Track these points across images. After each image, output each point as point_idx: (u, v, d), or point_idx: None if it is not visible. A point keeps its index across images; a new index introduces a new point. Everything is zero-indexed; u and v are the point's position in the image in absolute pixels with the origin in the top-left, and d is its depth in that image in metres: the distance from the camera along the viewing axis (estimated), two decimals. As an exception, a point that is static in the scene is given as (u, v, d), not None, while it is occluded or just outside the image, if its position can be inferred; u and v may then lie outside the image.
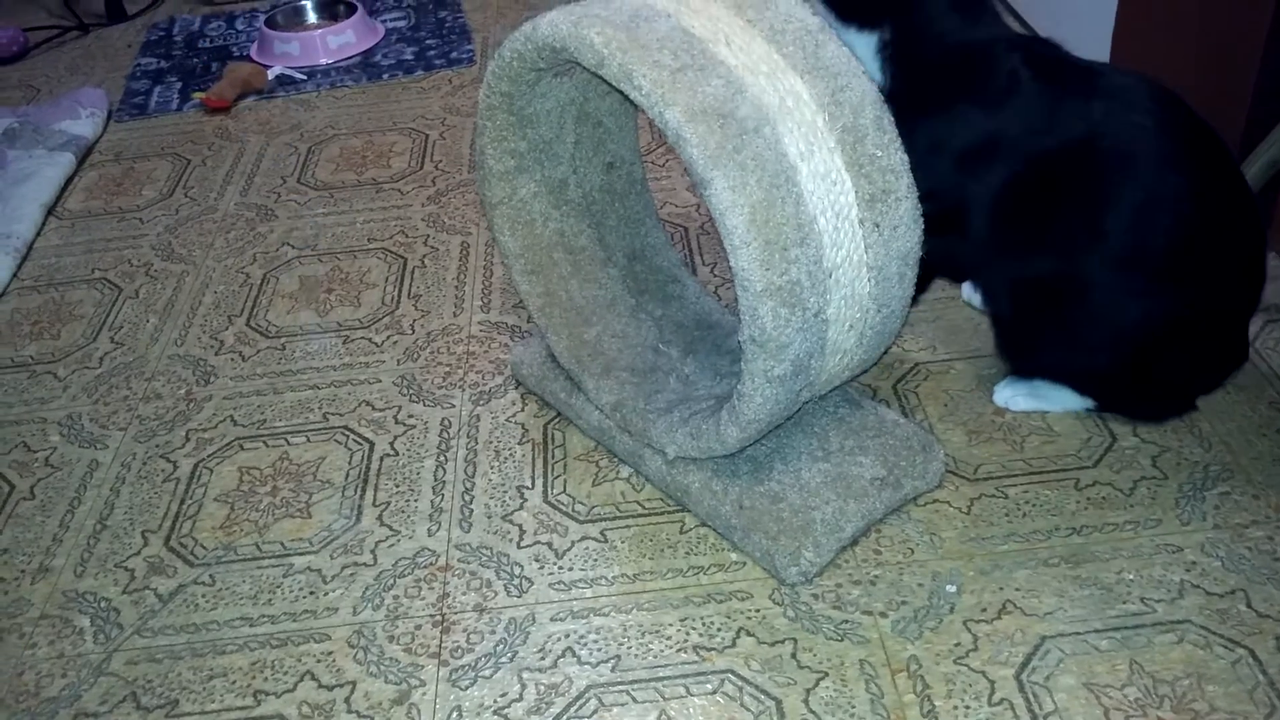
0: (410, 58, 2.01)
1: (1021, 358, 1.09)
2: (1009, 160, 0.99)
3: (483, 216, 1.50)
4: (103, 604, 1.02)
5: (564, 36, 0.91)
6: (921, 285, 0.99)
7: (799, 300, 0.87)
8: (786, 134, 0.87)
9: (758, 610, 0.95)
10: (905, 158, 0.91)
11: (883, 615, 0.93)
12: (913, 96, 1.01)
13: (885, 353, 1.04)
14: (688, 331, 1.18)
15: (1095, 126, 0.97)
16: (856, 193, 0.89)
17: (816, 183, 0.88)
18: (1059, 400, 1.09)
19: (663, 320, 1.19)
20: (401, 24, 2.13)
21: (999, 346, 1.10)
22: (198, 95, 1.90)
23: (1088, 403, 1.08)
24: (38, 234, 1.59)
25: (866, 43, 1.04)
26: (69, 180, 1.72)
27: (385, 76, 1.95)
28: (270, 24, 2.06)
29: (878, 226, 0.91)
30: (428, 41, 2.05)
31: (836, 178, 0.88)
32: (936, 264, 1.02)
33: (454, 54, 2.00)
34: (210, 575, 1.04)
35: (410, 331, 1.34)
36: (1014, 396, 1.11)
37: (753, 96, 0.87)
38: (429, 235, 1.52)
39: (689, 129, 0.84)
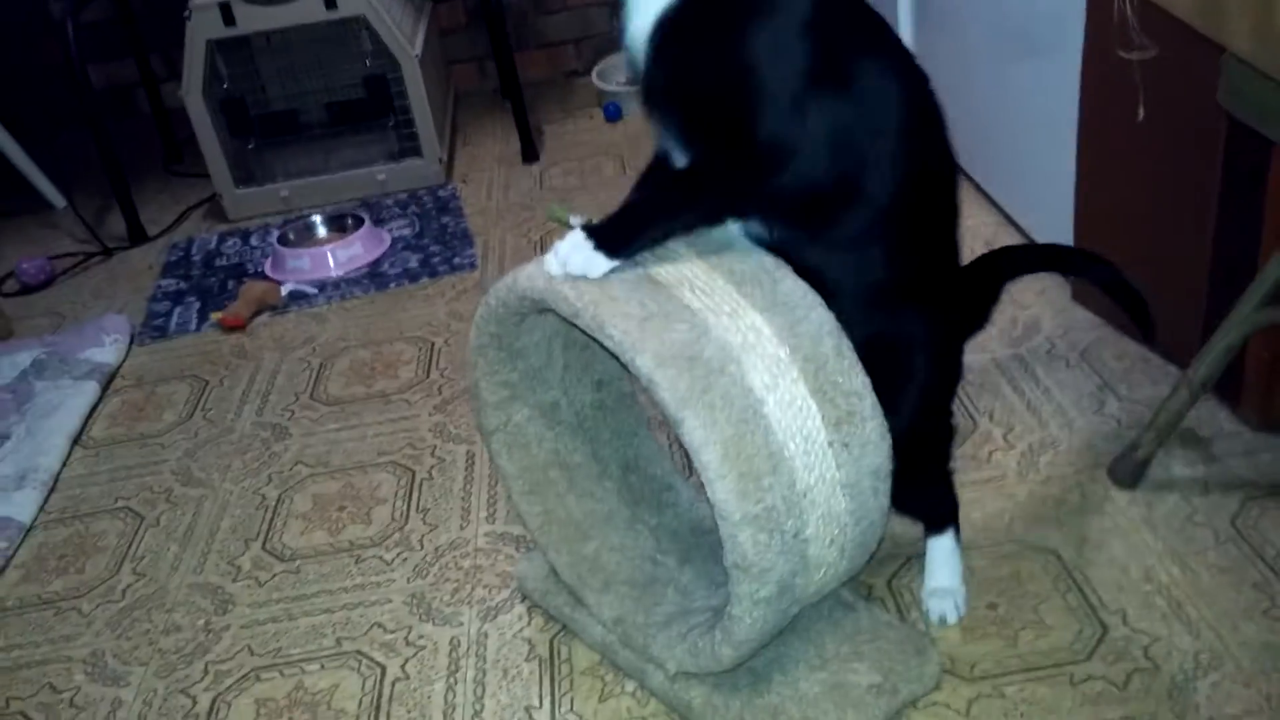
0: (415, 265, 2.12)
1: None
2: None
3: (485, 425, 1.56)
4: None
5: (540, 290, 0.98)
6: None
7: (777, 525, 0.92)
8: (751, 369, 0.93)
9: (764, 831, 0.95)
10: (866, 380, 0.97)
11: (888, 830, 0.93)
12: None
13: (872, 558, 1.07)
14: (684, 539, 1.22)
15: None
16: (823, 417, 0.95)
17: (784, 412, 0.93)
18: (952, 565, 1.15)
19: (659, 529, 1.23)
20: (407, 232, 2.25)
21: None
22: (215, 315, 2.00)
23: (955, 542, 1.14)
24: (64, 465, 1.67)
25: None
26: (94, 408, 1.81)
27: (392, 285, 2.06)
28: (282, 241, 2.19)
29: (847, 446, 0.96)
30: (432, 248, 2.17)
31: (802, 405, 0.94)
32: None
33: (457, 259, 2.11)
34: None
35: (419, 547, 1.39)
36: (945, 610, 1.14)
37: (717, 337, 0.93)
38: (436, 446, 1.58)
39: (659, 374, 0.90)
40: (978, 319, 1.15)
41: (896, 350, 1.00)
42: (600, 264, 0.95)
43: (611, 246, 0.95)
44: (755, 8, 0.88)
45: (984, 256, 1.16)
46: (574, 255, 0.95)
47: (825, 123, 0.90)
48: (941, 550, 1.15)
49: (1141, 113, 1.13)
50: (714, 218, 0.97)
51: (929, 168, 0.99)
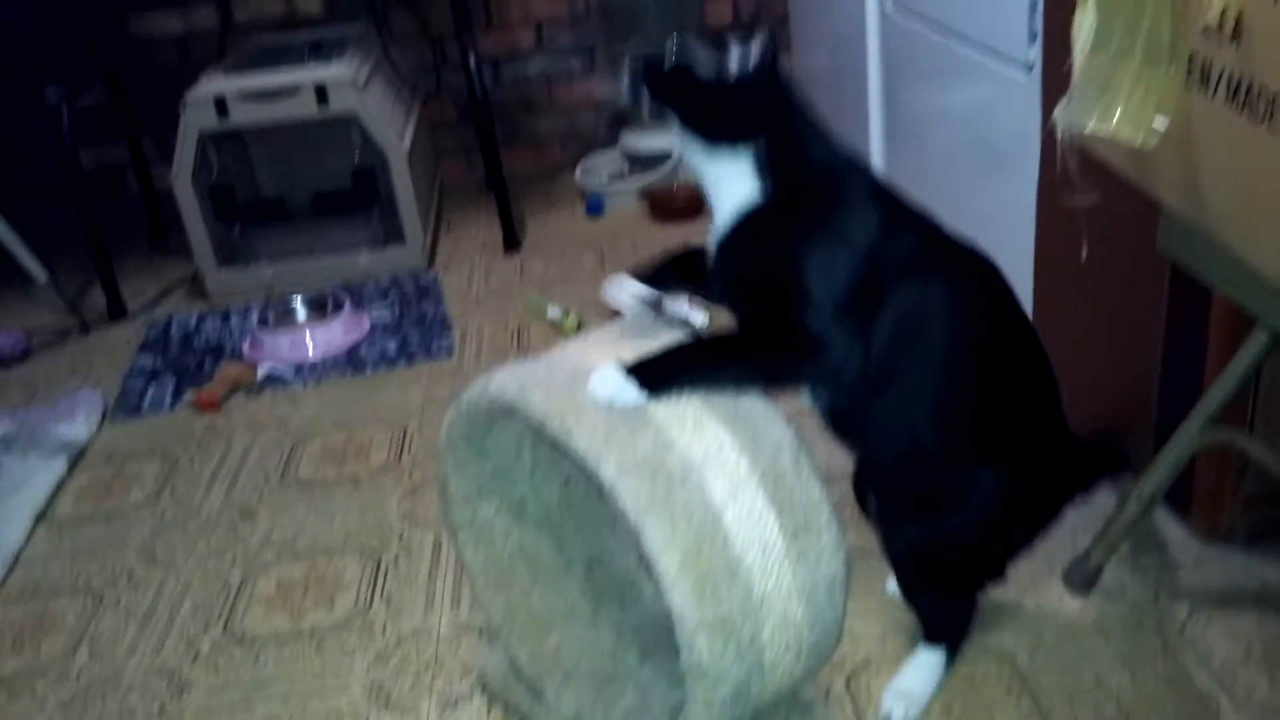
0: (393, 350, 2.15)
1: (903, 539, 1.15)
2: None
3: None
4: None
5: (511, 397, 1.02)
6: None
7: (732, 631, 0.94)
8: (712, 479, 0.97)
9: None
10: (823, 492, 1.01)
11: None
12: (796, 208, 1.04)
13: (827, 661, 1.10)
14: (645, 635, 1.24)
15: None
16: (780, 527, 0.98)
17: (742, 522, 0.96)
18: (928, 675, 1.18)
19: (621, 625, 1.25)
20: (386, 317, 2.29)
21: (882, 522, 1.17)
22: (190, 394, 2.02)
23: (940, 656, 1.18)
24: (27, 542, 1.67)
25: (743, 159, 1.03)
26: (61, 484, 1.81)
27: (369, 369, 2.09)
28: (262, 322, 2.22)
29: (803, 555, 0.99)
30: (410, 334, 2.21)
31: (761, 515, 0.97)
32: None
33: (434, 346, 2.15)
34: None
35: (382, 635, 1.39)
36: (907, 710, 1.17)
37: (679, 448, 0.97)
38: (404, 532, 1.59)
39: (621, 483, 0.93)
40: (1080, 483, 1.19)
41: (960, 492, 1.09)
42: (631, 396, 1.00)
43: (648, 384, 1.01)
44: (815, 229, 1.02)
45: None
46: (606, 385, 1.00)
47: (862, 326, 1.01)
48: (928, 660, 1.18)
49: (1085, 255, 1.19)
50: (747, 384, 1.05)
51: (991, 355, 1.08)
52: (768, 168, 1.03)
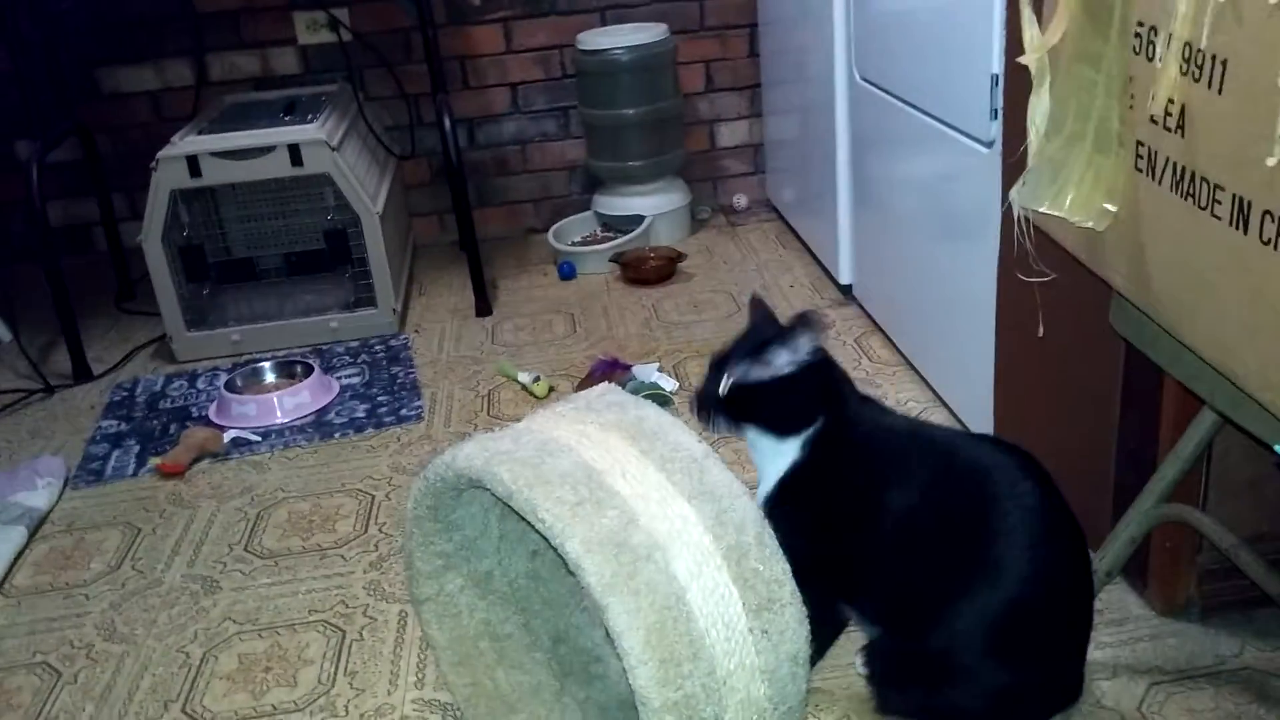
0: (362, 415, 2.14)
1: (896, 696, 1.19)
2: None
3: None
4: None
5: (478, 470, 1.02)
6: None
7: (695, 712, 0.94)
8: (676, 556, 0.96)
9: None
10: (786, 568, 1.01)
11: None
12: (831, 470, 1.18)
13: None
14: (610, 714, 1.23)
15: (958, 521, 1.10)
16: (744, 604, 0.98)
17: (706, 599, 0.96)
18: None
19: (586, 703, 1.24)
20: (356, 380, 2.29)
21: (874, 674, 1.21)
22: (154, 461, 2.00)
23: None
24: (-16, 614, 1.63)
25: (799, 440, 1.18)
26: (19, 554, 1.78)
27: (337, 435, 2.08)
28: (229, 386, 2.21)
29: (766, 633, 0.99)
30: (380, 398, 2.20)
31: (724, 592, 0.97)
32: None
33: (404, 411, 2.14)
34: None
35: (344, 713, 1.37)
36: None
37: (645, 524, 0.97)
38: (369, 605, 1.57)
39: (586, 560, 0.93)
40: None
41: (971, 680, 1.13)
42: None
43: None
44: (842, 504, 1.16)
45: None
46: None
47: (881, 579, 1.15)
48: None
49: (1041, 331, 1.21)
50: None
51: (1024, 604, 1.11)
52: (815, 442, 1.17)
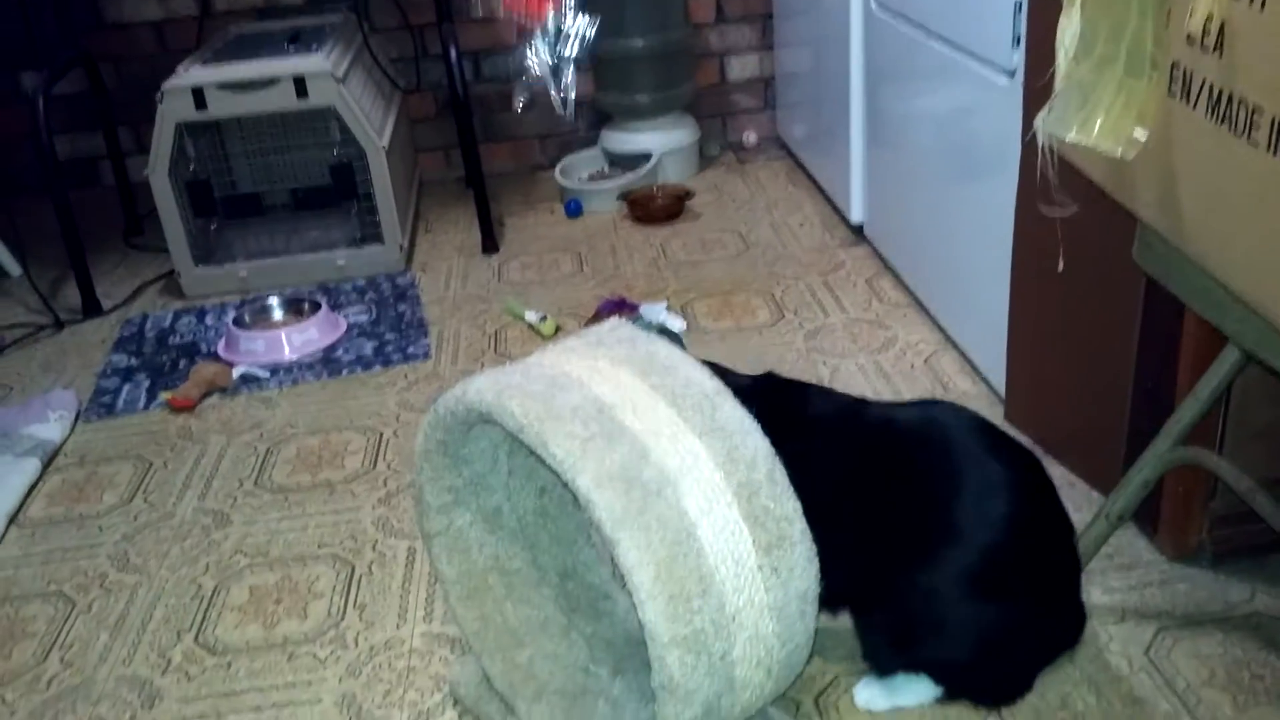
0: (369, 352, 2.13)
1: (885, 657, 1.19)
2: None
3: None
4: None
5: (488, 404, 1.01)
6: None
7: (704, 647, 0.94)
8: (687, 493, 0.96)
9: None
10: (798, 505, 1.00)
11: None
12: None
13: (798, 678, 1.09)
14: (617, 649, 1.23)
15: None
16: (754, 541, 0.97)
17: (716, 535, 0.96)
18: (915, 693, 1.18)
19: (593, 638, 1.24)
20: (363, 318, 2.28)
21: (865, 650, 1.19)
22: (164, 395, 2.00)
23: (938, 692, 1.17)
24: (-2, 544, 1.65)
25: None
26: (33, 486, 1.79)
27: (345, 372, 2.07)
28: (237, 322, 2.20)
29: (776, 570, 0.98)
30: (387, 336, 2.19)
31: (735, 529, 0.97)
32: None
33: (410, 349, 2.13)
34: None
35: (354, 645, 1.38)
36: (873, 697, 1.19)
37: (656, 460, 0.96)
38: (378, 540, 1.58)
39: (597, 494, 0.93)
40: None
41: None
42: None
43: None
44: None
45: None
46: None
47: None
48: (921, 685, 1.18)
49: (1061, 265, 1.19)
50: None
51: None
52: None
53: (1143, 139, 0.96)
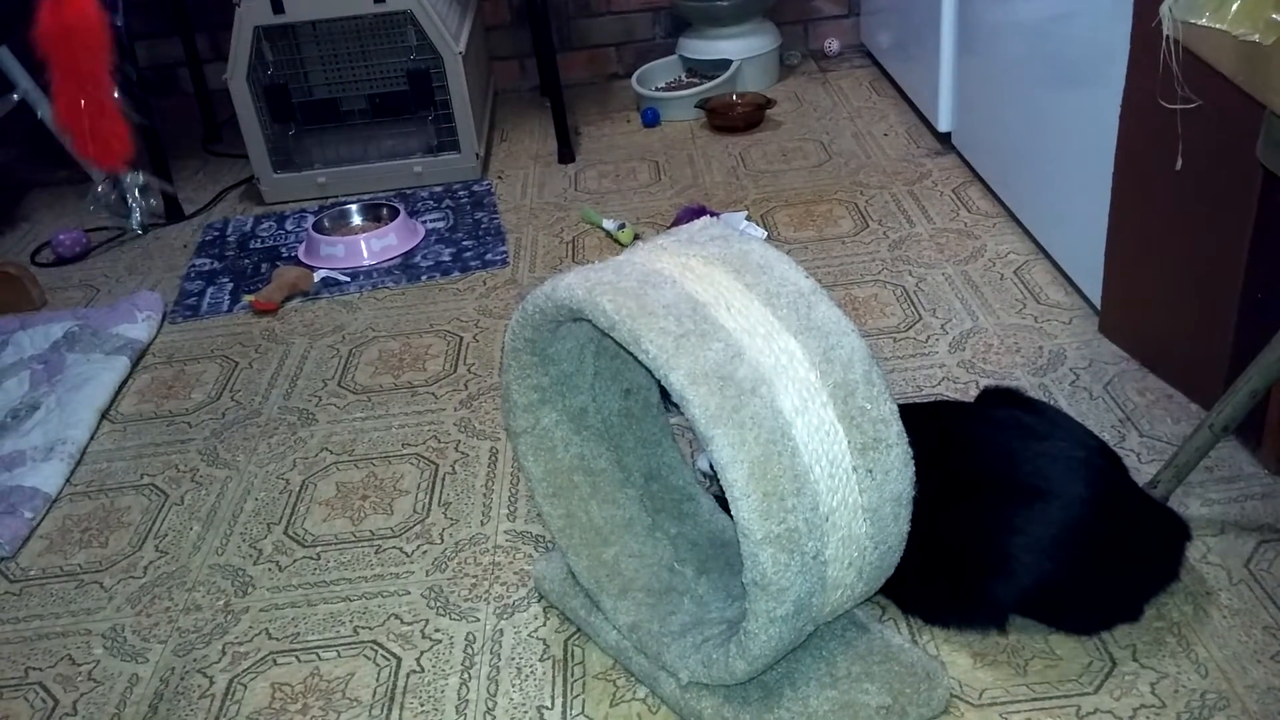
0: (448, 259, 2.14)
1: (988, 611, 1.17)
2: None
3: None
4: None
5: (579, 300, 1.00)
6: None
7: (797, 545, 0.93)
8: (782, 392, 0.94)
9: (767, 845, 0.96)
10: (894, 407, 0.98)
11: None
12: None
13: (887, 580, 1.08)
14: (702, 550, 1.24)
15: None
16: (849, 442, 0.96)
17: (811, 435, 0.94)
18: None
19: (678, 539, 1.25)
20: (440, 225, 2.28)
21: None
22: (248, 298, 2.03)
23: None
24: (92, 438, 1.70)
25: None
26: (123, 383, 1.83)
27: (424, 278, 2.08)
28: (317, 228, 2.21)
29: (870, 472, 0.97)
30: (465, 243, 2.19)
31: (830, 430, 0.95)
32: None
33: (489, 255, 2.13)
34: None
35: (439, 541, 1.40)
36: None
37: (750, 358, 0.95)
38: (460, 440, 1.60)
39: (691, 391, 0.92)
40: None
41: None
42: None
43: None
44: None
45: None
46: None
47: None
48: None
49: (1180, 162, 1.13)
50: None
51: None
52: None
53: (1281, 24, 0.90)
